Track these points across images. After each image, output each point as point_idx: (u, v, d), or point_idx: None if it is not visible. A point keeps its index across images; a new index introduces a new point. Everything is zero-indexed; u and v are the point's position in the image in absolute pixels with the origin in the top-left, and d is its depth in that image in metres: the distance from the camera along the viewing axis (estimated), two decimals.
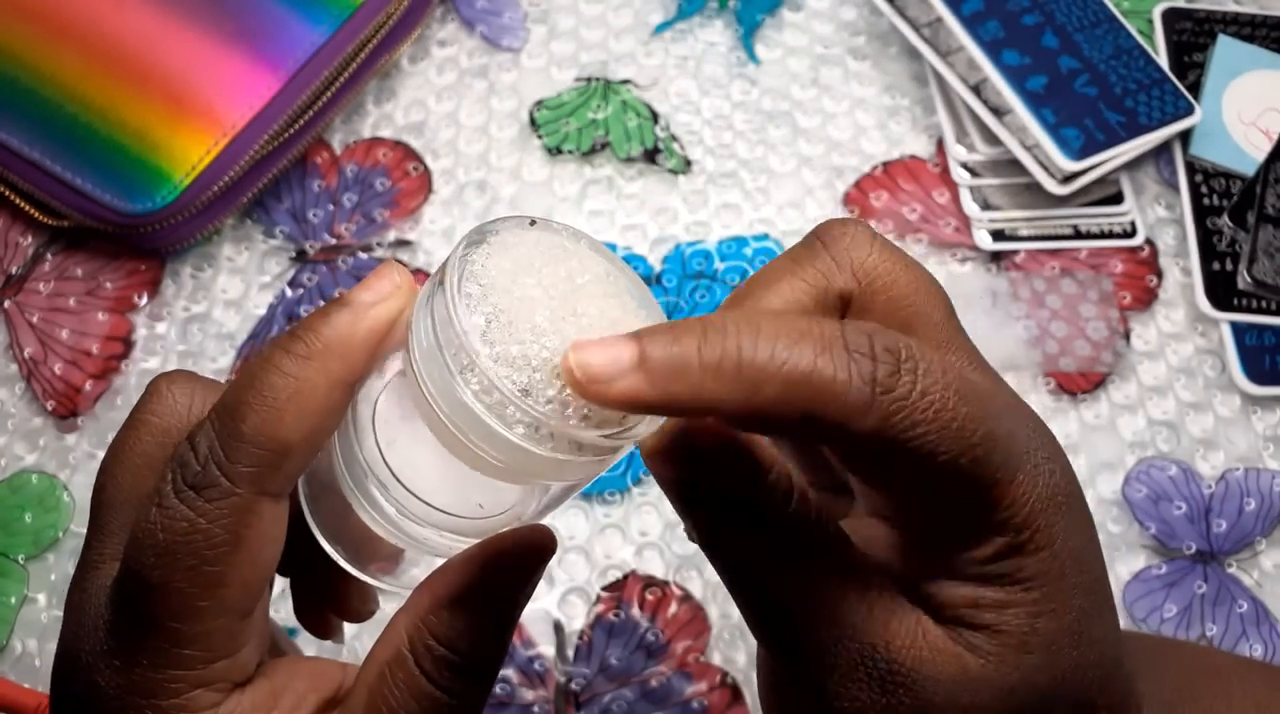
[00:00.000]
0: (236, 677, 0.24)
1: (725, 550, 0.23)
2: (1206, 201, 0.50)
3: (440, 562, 0.24)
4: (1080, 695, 0.23)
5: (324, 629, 0.31)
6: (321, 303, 0.48)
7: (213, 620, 0.23)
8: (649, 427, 0.22)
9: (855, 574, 0.22)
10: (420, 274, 0.49)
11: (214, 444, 0.23)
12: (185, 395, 0.25)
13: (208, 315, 0.48)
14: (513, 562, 0.24)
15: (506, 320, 0.21)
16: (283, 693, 0.24)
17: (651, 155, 0.52)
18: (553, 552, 0.24)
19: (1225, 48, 0.54)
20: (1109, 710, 0.23)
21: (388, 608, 0.33)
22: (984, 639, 0.22)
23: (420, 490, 0.24)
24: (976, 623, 0.22)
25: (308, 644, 0.42)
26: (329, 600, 0.30)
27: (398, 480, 0.24)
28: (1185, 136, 0.51)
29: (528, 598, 0.24)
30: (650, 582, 0.43)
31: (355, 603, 0.30)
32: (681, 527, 0.45)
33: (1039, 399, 0.47)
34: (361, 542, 0.26)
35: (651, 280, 0.49)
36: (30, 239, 0.50)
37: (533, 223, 0.23)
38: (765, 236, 0.50)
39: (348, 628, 0.34)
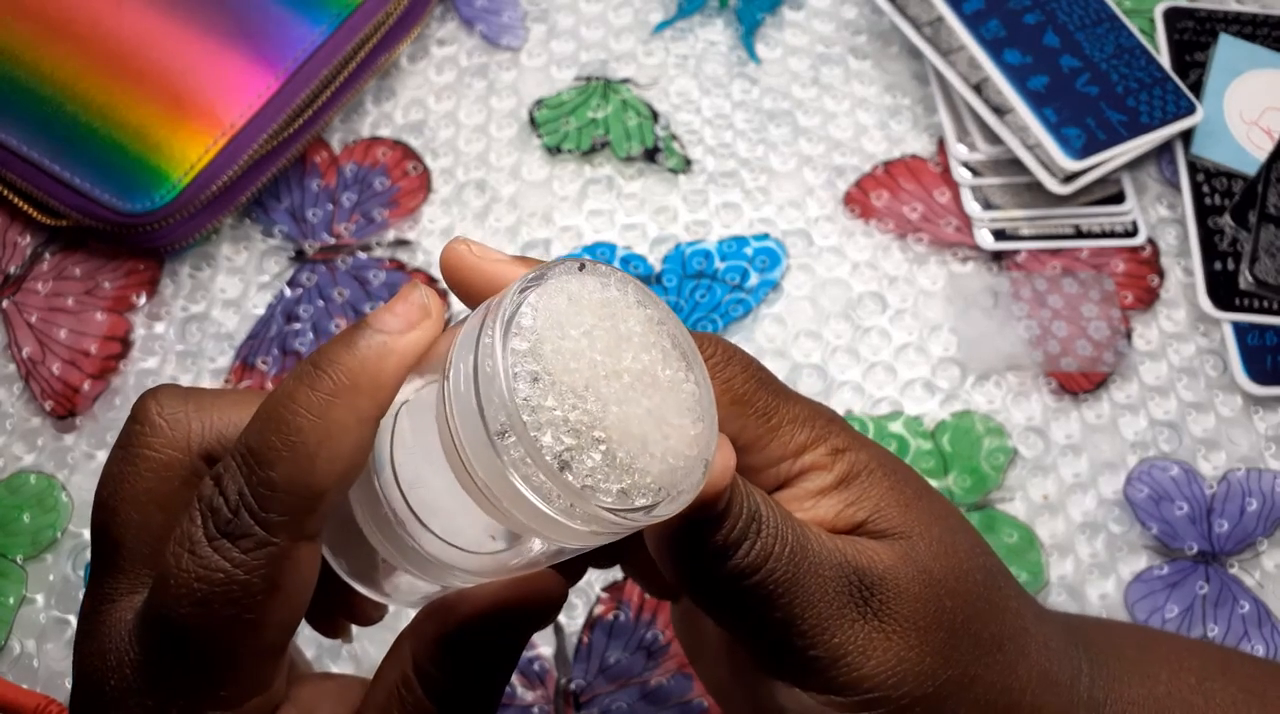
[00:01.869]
0: (267, 709, 0.24)
1: (729, 580, 0.25)
2: (1208, 201, 0.50)
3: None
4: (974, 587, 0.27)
5: (333, 631, 0.31)
6: (321, 303, 0.48)
7: (250, 662, 0.23)
8: (672, 507, 0.22)
9: (806, 529, 0.25)
10: (418, 274, 0.49)
11: (244, 491, 0.22)
12: (180, 418, 0.25)
13: (206, 315, 0.48)
14: (525, 610, 0.24)
15: (550, 381, 0.20)
16: None
17: (651, 154, 0.52)
18: (562, 603, 0.24)
19: (1227, 47, 0.53)
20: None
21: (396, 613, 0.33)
22: (880, 523, 0.27)
23: (437, 527, 0.24)
24: (862, 519, 0.27)
25: (308, 643, 0.42)
26: (339, 605, 0.30)
27: (415, 517, 0.23)
28: (1187, 136, 0.51)
29: (527, 640, 0.25)
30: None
31: (366, 608, 0.30)
32: None
33: (1040, 399, 0.47)
34: (370, 562, 0.26)
35: (651, 280, 0.49)
36: (28, 239, 0.50)
37: (581, 267, 0.22)
38: (765, 236, 0.50)
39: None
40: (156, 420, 0.24)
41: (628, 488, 0.21)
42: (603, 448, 0.20)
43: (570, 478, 0.20)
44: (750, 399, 0.26)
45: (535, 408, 0.20)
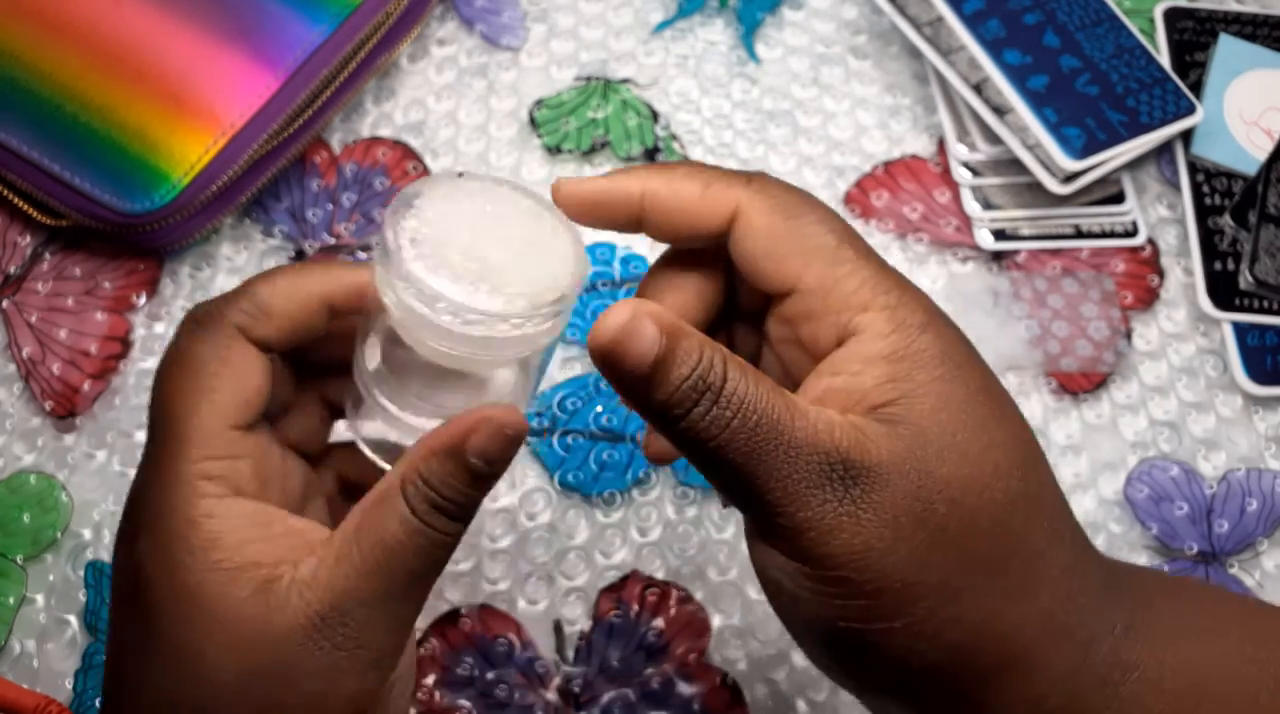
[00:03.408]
0: (234, 486, 0.29)
1: (687, 441, 0.26)
2: (1208, 201, 0.50)
3: None
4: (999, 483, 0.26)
5: None
6: None
7: (207, 419, 0.28)
8: (545, 312, 0.28)
9: (793, 409, 0.26)
10: None
11: (225, 295, 0.30)
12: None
13: None
14: (493, 426, 0.28)
15: (439, 246, 0.28)
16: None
17: (652, 154, 0.52)
18: (525, 427, 0.29)
19: (1227, 47, 0.53)
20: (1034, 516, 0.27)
21: None
22: (904, 409, 0.26)
23: (414, 408, 0.31)
24: (891, 398, 0.27)
25: None
26: None
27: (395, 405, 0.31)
28: (1187, 136, 0.51)
29: (505, 464, 0.29)
30: (650, 582, 0.43)
31: None
32: (681, 528, 0.45)
33: (1040, 399, 0.47)
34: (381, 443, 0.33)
35: None
36: (28, 239, 0.50)
37: (460, 174, 0.30)
38: None
39: None
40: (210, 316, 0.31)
41: (505, 304, 0.28)
42: (484, 279, 0.28)
43: (462, 297, 0.27)
44: (805, 236, 0.28)
45: (425, 257, 0.28)
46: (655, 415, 0.26)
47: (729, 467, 0.26)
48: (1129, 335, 0.48)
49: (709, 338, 0.27)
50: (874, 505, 0.25)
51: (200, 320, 0.30)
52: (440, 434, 0.28)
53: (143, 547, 0.28)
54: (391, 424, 0.31)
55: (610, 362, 0.26)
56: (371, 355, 0.31)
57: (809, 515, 0.26)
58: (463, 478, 0.28)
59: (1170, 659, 0.27)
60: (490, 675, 0.42)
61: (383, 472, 0.29)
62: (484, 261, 0.28)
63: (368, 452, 0.33)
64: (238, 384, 0.29)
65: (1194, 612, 0.29)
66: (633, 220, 0.30)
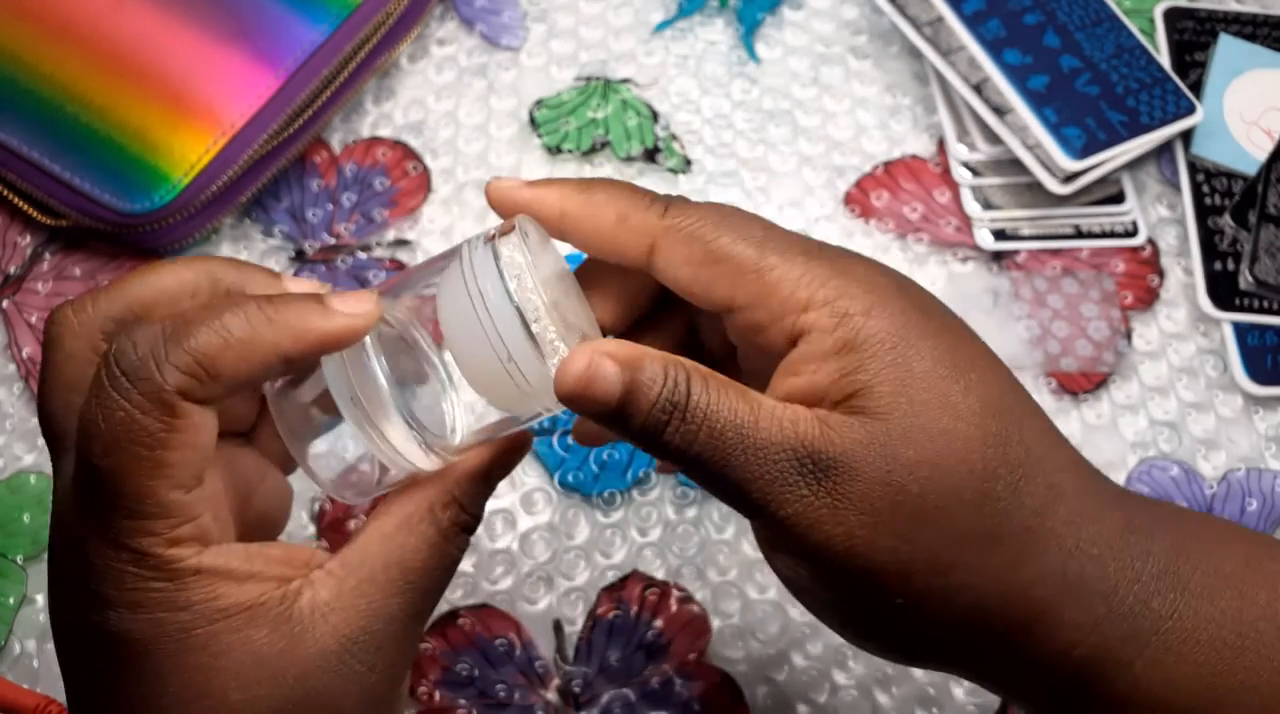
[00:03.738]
0: (203, 540, 0.27)
1: (668, 457, 0.27)
2: (1208, 201, 0.50)
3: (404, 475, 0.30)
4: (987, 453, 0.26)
5: None
6: None
7: (165, 495, 0.26)
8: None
9: (758, 411, 0.27)
10: None
11: (158, 343, 0.26)
12: (86, 310, 0.28)
13: None
14: (516, 455, 0.30)
15: (538, 298, 0.27)
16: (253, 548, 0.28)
17: (651, 154, 0.52)
18: (531, 442, 0.31)
19: (1227, 47, 0.53)
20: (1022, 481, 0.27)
21: None
22: (864, 401, 0.26)
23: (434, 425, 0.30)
24: (848, 392, 0.27)
25: None
26: None
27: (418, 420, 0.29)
28: (1187, 136, 0.51)
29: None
30: (650, 582, 0.43)
31: None
32: (681, 528, 0.45)
33: (1040, 399, 0.47)
34: (343, 470, 0.31)
35: None
36: (29, 238, 0.50)
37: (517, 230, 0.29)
38: None
39: None
40: (68, 317, 0.28)
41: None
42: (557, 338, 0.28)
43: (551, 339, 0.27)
44: (725, 257, 0.28)
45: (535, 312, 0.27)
46: (634, 440, 0.27)
47: (711, 475, 0.27)
48: (1129, 335, 0.48)
49: (670, 355, 0.27)
50: (848, 495, 0.26)
51: (131, 377, 0.25)
52: (477, 459, 0.30)
53: (117, 619, 0.26)
54: (372, 444, 0.29)
55: (580, 408, 0.27)
56: (361, 378, 0.28)
57: (790, 512, 0.26)
58: (485, 496, 0.30)
59: (1207, 610, 0.27)
60: (490, 675, 0.42)
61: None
62: (560, 319, 0.28)
63: (321, 474, 0.30)
64: (190, 454, 0.26)
65: (1234, 560, 0.28)
66: (556, 233, 0.30)
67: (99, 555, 0.26)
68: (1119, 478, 0.45)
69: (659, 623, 0.42)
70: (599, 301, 0.31)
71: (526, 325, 0.27)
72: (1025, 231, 0.50)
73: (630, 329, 0.32)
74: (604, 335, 0.31)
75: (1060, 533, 0.27)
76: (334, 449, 0.30)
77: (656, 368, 0.26)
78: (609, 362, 0.26)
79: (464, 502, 0.29)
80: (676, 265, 0.29)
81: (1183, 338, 0.48)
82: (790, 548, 0.27)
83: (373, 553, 0.28)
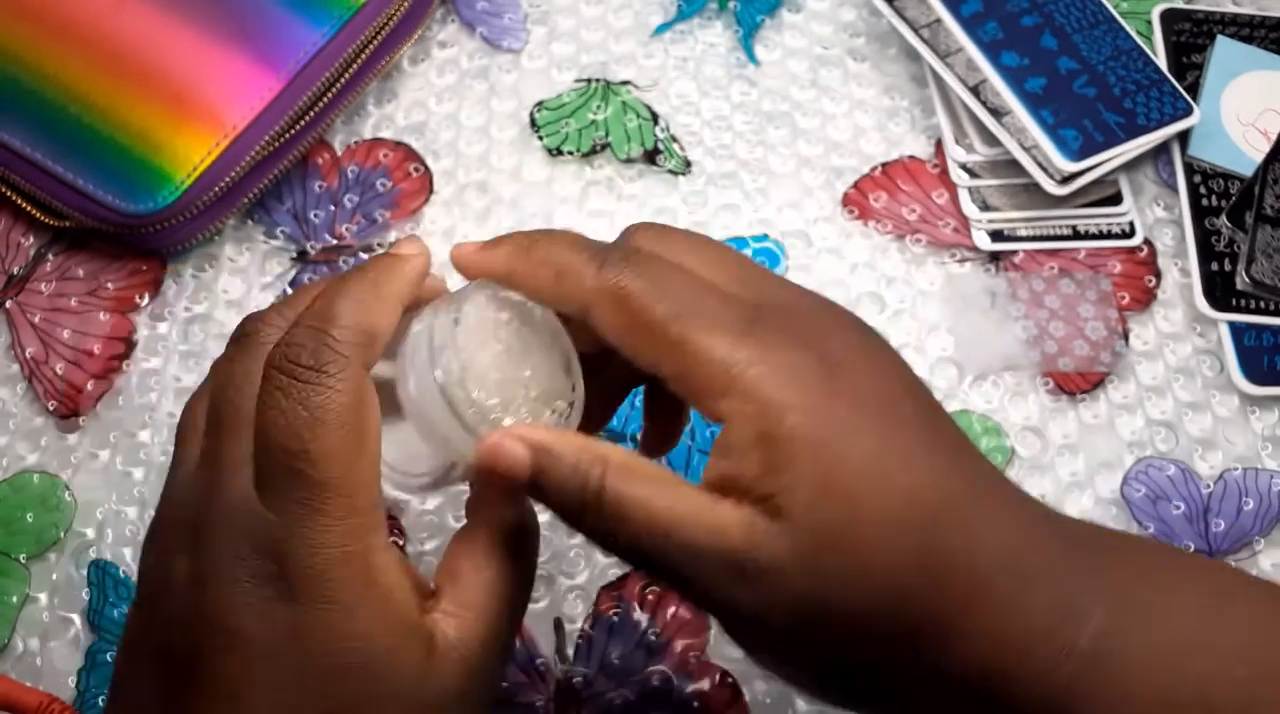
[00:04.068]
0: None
1: (589, 535, 0.28)
2: (1205, 202, 0.50)
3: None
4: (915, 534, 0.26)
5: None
6: None
7: (368, 470, 0.28)
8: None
9: (685, 511, 0.27)
10: None
11: (321, 334, 0.28)
12: (279, 324, 0.30)
13: (209, 315, 0.49)
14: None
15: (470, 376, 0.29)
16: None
17: (651, 156, 0.52)
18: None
19: (1224, 48, 0.54)
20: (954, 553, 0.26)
21: None
22: (783, 502, 0.26)
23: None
24: (766, 492, 0.26)
25: None
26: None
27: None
28: (1184, 137, 0.51)
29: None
30: (650, 581, 0.43)
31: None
32: None
33: (1037, 399, 0.47)
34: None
35: None
36: (32, 239, 0.50)
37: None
38: (765, 237, 0.50)
39: None
40: (261, 327, 0.30)
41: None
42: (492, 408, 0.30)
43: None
44: (649, 327, 0.28)
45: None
46: (567, 519, 0.28)
47: (644, 567, 0.28)
48: (1126, 336, 0.48)
49: (590, 445, 0.28)
50: (780, 599, 0.26)
51: (325, 367, 0.27)
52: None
53: (300, 614, 0.27)
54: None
55: (490, 482, 0.29)
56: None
57: (715, 596, 0.27)
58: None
59: (1137, 689, 0.27)
60: None
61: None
62: (505, 381, 0.30)
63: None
64: (376, 424, 0.28)
65: (1172, 631, 0.28)
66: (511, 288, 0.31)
67: (279, 534, 0.27)
68: (1116, 477, 0.45)
69: (659, 621, 0.43)
70: (581, 329, 0.31)
71: (451, 406, 0.29)
72: (1022, 232, 0.50)
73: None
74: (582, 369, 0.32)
75: (988, 623, 0.26)
76: None
77: (565, 464, 0.27)
78: (519, 445, 0.28)
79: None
80: (605, 327, 0.28)
81: (1179, 338, 0.48)
82: (723, 622, 0.28)
83: (477, 585, 0.29)
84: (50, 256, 0.50)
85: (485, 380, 0.29)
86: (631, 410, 0.46)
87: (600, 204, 0.51)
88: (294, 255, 0.50)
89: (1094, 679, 0.26)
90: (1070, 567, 0.28)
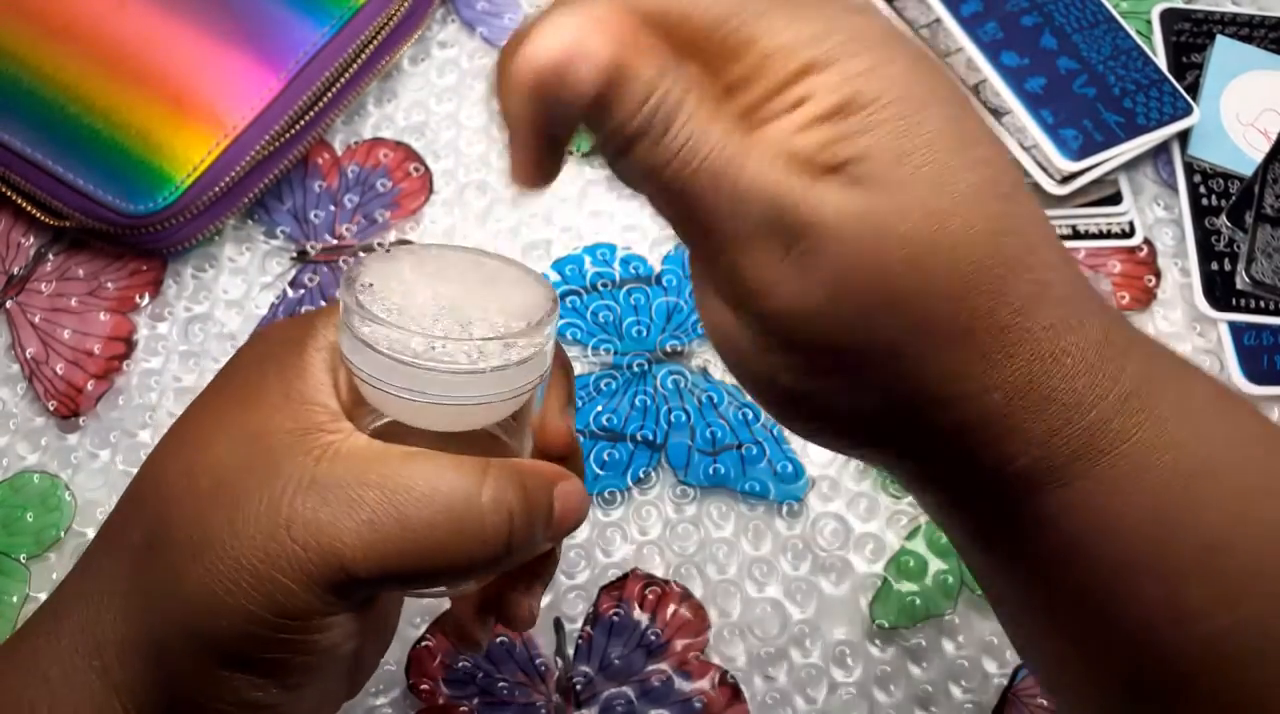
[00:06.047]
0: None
1: (634, 163, 0.24)
2: (1205, 202, 0.50)
3: None
4: (983, 232, 0.23)
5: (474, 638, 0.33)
6: (323, 303, 0.48)
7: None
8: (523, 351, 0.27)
9: (746, 155, 0.24)
10: None
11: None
12: None
13: (209, 315, 0.49)
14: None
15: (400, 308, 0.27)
16: None
17: None
18: None
19: (1223, 48, 0.54)
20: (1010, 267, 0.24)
21: None
22: (861, 169, 0.23)
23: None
24: (845, 158, 0.23)
25: None
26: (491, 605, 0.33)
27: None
28: (1184, 137, 0.51)
29: None
30: (650, 581, 0.43)
31: (519, 608, 0.32)
32: (680, 526, 0.45)
33: None
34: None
35: (652, 280, 0.49)
36: (32, 239, 0.50)
37: (388, 249, 0.30)
38: None
39: None
40: None
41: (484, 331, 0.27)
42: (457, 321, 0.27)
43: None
44: (705, 36, 0.24)
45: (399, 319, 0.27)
46: (601, 144, 0.25)
47: (676, 207, 0.25)
48: None
49: (668, 62, 0.24)
50: (817, 267, 0.23)
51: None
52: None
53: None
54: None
55: (544, 95, 0.23)
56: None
57: (749, 266, 0.24)
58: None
59: (1169, 435, 0.25)
60: (491, 673, 0.42)
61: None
62: (454, 308, 0.27)
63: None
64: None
65: (1200, 394, 0.26)
66: None
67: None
68: None
69: (659, 622, 0.43)
70: None
71: (392, 351, 0.26)
72: None
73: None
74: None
75: (1037, 337, 0.24)
76: None
77: (644, 80, 0.23)
78: (596, 37, 0.23)
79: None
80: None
81: (1180, 338, 0.48)
82: (735, 299, 0.25)
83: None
84: (50, 256, 0.50)
85: (419, 317, 0.27)
86: (632, 410, 0.46)
87: (600, 203, 0.51)
88: (294, 255, 0.50)
89: (1133, 423, 0.25)
90: (1110, 318, 0.26)
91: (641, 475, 0.45)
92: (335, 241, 0.50)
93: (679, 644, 0.42)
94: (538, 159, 0.25)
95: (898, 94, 0.23)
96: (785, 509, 0.45)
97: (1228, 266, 0.49)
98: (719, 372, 0.47)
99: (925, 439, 0.25)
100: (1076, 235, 0.50)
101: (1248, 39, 0.54)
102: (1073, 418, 0.24)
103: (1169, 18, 0.55)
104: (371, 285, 0.28)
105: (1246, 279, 0.48)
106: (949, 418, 0.24)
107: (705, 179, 0.24)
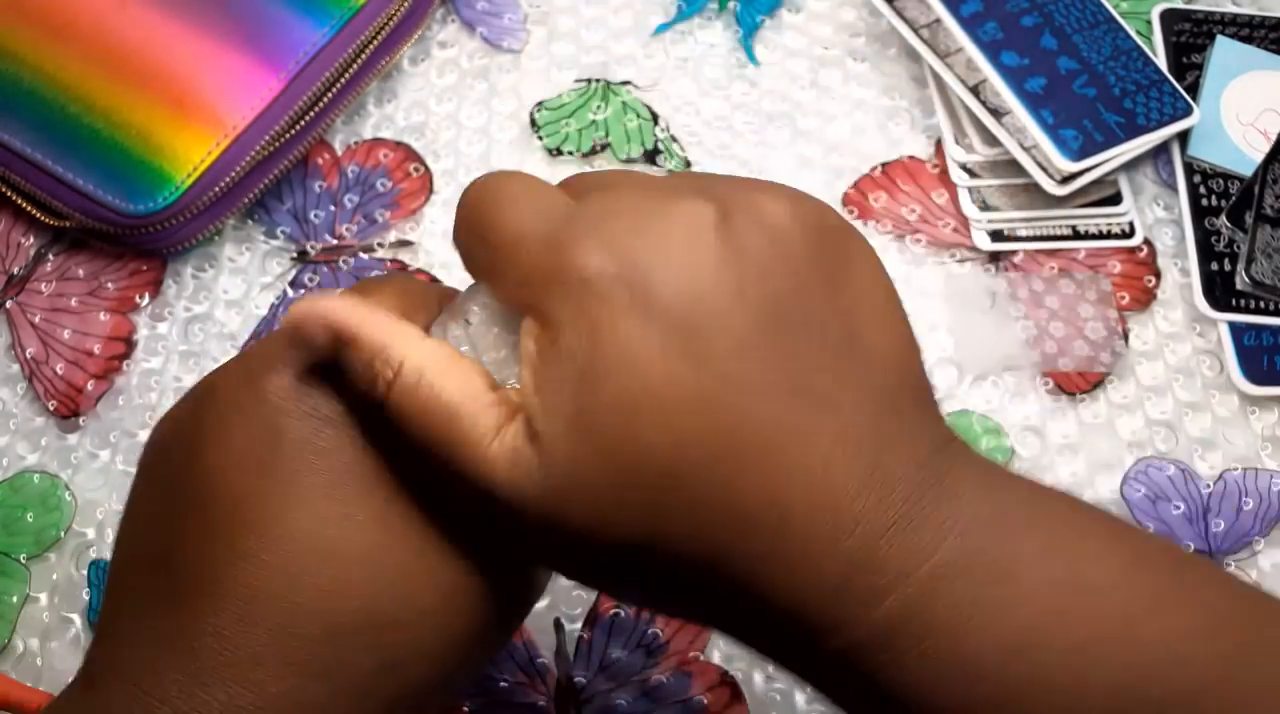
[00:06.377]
0: None
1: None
2: (1205, 202, 0.50)
3: None
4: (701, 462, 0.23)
5: None
6: None
7: None
8: None
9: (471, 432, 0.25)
10: (421, 273, 0.49)
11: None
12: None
13: (209, 315, 0.49)
14: None
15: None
16: None
17: (651, 156, 0.52)
18: None
19: (1224, 49, 0.54)
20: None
21: None
22: (538, 421, 0.24)
23: None
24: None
25: None
26: None
27: None
28: (1184, 137, 0.51)
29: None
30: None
31: None
32: None
33: (1037, 399, 0.47)
34: None
35: None
36: (32, 239, 0.50)
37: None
38: None
39: None
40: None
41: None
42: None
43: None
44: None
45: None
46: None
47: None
48: (1126, 336, 0.48)
49: (388, 350, 0.26)
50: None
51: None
52: None
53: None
54: None
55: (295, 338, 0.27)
56: None
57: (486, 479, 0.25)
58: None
59: (1008, 594, 0.23)
60: (491, 673, 0.42)
61: None
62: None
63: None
64: None
65: (1034, 542, 0.24)
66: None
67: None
68: (1116, 477, 0.45)
69: (659, 622, 0.43)
70: None
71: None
72: (1022, 232, 0.50)
73: None
74: None
75: (795, 509, 0.24)
76: None
77: (362, 357, 0.26)
78: (320, 328, 0.26)
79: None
80: None
81: (1179, 338, 0.48)
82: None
83: None
84: (50, 256, 0.50)
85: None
86: None
87: None
88: (294, 255, 0.50)
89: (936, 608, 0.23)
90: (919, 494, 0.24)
91: None
92: (335, 242, 0.50)
93: (679, 645, 0.42)
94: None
95: (573, 351, 0.24)
96: None
97: (1228, 267, 0.49)
98: None
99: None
100: (1076, 235, 0.50)
101: (1248, 39, 0.54)
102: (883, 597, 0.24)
103: (1169, 18, 0.55)
104: None
105: (1246, 279, 0.48)
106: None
107: (430, 445, 0.26)
